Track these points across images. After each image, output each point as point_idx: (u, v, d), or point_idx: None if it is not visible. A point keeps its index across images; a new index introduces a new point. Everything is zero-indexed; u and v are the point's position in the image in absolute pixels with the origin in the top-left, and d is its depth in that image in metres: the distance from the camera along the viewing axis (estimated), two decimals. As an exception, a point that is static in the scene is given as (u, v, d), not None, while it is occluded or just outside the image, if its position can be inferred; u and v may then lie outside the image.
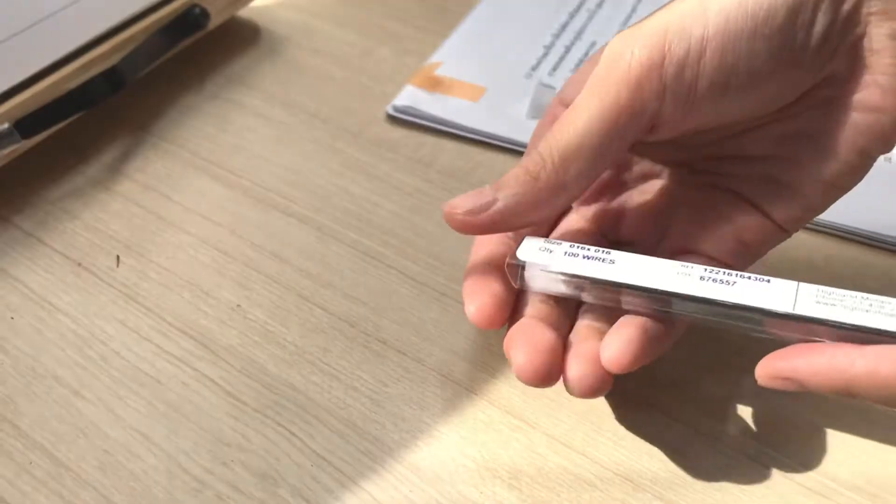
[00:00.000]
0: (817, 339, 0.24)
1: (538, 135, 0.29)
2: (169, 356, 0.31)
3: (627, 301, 0.25)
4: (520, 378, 0.25)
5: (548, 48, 0.44)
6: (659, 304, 0.25)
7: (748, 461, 0.27)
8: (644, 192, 0.29)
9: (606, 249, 0.26)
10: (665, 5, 0.25)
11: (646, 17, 0.25)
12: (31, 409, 0.29)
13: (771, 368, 0.24)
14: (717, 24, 0.24)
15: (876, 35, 0.24)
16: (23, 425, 0.29)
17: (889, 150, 0.25)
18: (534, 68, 0.42)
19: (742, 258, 0.27)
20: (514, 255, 0.26)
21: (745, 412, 0.28)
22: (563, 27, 0.45)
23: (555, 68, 0.42)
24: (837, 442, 0.27)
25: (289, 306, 0.32)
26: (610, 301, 0.26)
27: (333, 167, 0.38)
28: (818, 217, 0.33)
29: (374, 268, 0.33)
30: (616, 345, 0.24)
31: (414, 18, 0.47)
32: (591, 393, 0.25)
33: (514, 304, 0.27)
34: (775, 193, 0.26)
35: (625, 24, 0.45)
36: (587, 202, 0.30)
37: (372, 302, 0.32)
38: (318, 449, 0.28)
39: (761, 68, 0.24)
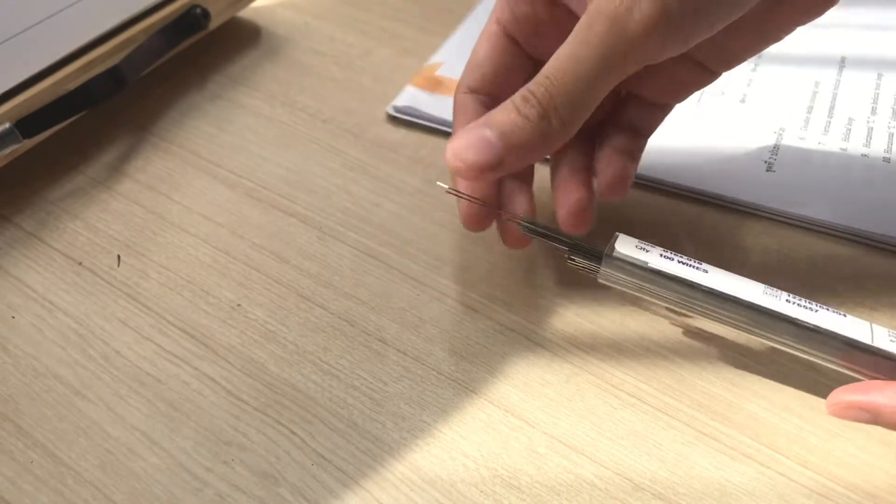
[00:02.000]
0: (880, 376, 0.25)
1: (459, 123, 0.30)
2: (170, 355, 0.31)
3: (707, 311, 0.27)
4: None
5: (548, 49, 0.44)
6: (743, 319, 0.26)
7: (748, 460, 0.27)
8: None
9: (697, 260, 0.27)
10: None
11: None
12: (32, 409, 0.29)
13: (844, 400, 0.25)
14: None
15: None
16: (24, 424, 0.29)
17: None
18: (534, 69, 0.43)
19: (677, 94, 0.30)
20: (610, 247, 0.27)
21: (744, 412, 0.28)
22: (564, 28, 0.45)
23: (555, 69, 0.42)
24: (837, 442, 0.27)
25: (289, 306, 0.32)
26: (684, 307, 0.27)
27: (334, 167, 0.38)
28: (818, 217, 0.33)
29: (374, 267, 0.34)
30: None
31: (414, 19, 0.48)
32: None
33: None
34: (714, 55, 0.29)
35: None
36: None
37: (372, 301, 0.32)
38: (318, 448, 0.28)
39: None
